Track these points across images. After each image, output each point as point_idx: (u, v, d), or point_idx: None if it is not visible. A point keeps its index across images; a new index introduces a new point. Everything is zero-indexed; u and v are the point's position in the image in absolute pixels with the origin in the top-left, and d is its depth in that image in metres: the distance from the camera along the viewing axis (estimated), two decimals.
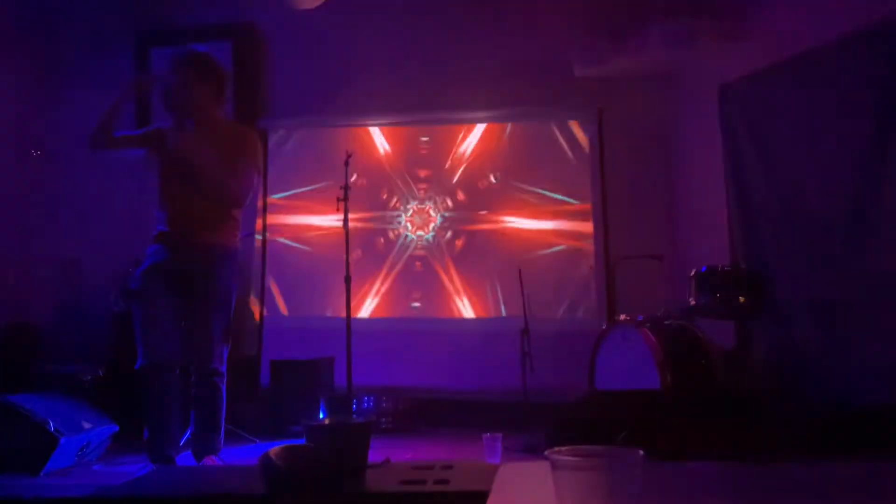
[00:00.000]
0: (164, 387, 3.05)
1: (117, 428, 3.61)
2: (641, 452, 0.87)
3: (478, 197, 5.13)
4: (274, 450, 1.54)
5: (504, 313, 4.89)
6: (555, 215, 5.02)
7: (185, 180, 3.17)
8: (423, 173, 5.23)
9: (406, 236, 5.19)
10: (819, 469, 1.31)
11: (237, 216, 3.30)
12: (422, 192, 5.21)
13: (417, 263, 5.15)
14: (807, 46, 3.82)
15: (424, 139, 5.27)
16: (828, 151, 3.68)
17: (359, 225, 5.13)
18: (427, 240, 5.16)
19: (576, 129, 5.08)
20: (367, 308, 5.13)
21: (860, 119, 3.49)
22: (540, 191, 5.05)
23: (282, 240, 5.32)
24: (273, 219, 5.33)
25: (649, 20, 4.48)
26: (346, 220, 4.12)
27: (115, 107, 3.17)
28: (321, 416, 4.28)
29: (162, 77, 3.31)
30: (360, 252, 5.15)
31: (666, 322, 3.85)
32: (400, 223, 5.21)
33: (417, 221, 5.18)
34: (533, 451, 3.48)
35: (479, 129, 5.20)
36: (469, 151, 5.19)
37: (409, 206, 5.21)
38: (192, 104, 3.22)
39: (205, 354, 3.10)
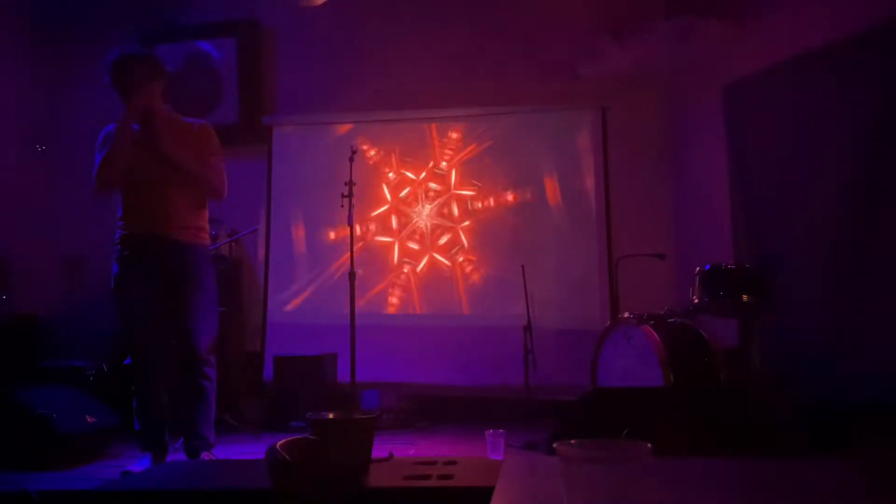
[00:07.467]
0: (148, 377, 3.07)
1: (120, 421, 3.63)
2: (650, 445, 0.88)
3: (480, 194, 5.13)
4: (281, 443, 1.55)
5: (507, 310, 4.89)
6: (558, 213, 5.02)
7: (151, 179, 3.08)
8: (425, 171, 5.23)
9: (408, 232, 5.19)
10: (819, 466, 1.32)
11: (205, 213, 3.23)
12: (424, 190, 5.21)
13: (419, 260, 5.15)
14: (810, 46, 3.82)
15: (428, 135, 5.27)
16: (831, 151, 3.69)
17: (362, 221, 5.15)
18: (429, 236, 5.16)
19: (579, 127, 5.08)
20: (369, 304, 5.13)
21: (863, 119, 3.49)
22: (543, 189, 5.05)
23: (285, 235, 5.32)
24: (276, 215, 5.33)
25: (653, 19, 4.49)
26: (350, 216, 4.16)
27: (120, 150, 3.02)
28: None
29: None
30: (364, 248, 5.16)
31: (669, 320, 3.86)
32: (402, 219, 5.21)
33: (421, 219, 5.18)
34: (535, 448, 3.48)
35: (483, 126, 5.20)
36: (472, 149, 5.18)
37: (411, 204, 5.21)
38: (152, 101, 3.10)
39: (186, 346, 3.04)
